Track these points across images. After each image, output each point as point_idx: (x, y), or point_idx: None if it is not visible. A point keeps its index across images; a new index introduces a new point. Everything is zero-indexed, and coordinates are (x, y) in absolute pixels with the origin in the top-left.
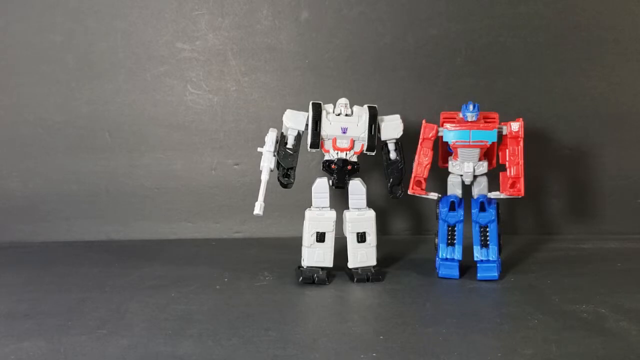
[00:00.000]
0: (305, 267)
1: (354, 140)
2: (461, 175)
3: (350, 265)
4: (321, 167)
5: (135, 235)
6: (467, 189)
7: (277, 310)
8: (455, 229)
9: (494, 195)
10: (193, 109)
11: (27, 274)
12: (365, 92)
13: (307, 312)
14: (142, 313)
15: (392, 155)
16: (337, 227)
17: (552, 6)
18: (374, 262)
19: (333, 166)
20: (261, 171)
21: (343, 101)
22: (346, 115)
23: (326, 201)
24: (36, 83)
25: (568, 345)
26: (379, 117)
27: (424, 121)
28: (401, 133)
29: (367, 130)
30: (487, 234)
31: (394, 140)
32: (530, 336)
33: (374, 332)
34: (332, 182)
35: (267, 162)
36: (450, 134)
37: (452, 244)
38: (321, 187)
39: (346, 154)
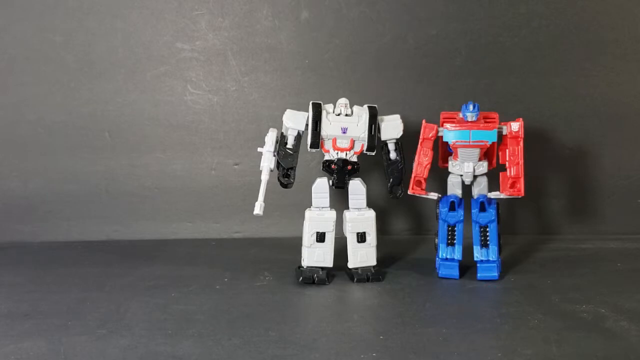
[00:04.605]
0: (305, 267)
1: (354, 140)
2: (461, 175)
3: (350, 265)
4: (321, 167)
5: (135, 235)
6: (467, 189)
7: (277, 310)
8: (455, 229)
9: (494, 195)
10: (193, 109)
11: (27, 274)
12: (365, 92)
13: (307, 312)
14: (142, 313)
15: (392, 155)
16: (337, 227)
17: (552, 6)
18: (374, 262)
19: (333, 166)
20: (261, 171)
21: (343, 101)
22: (346, 115)
23: (326, 201)
24: (36, 83)
25: (568, 345)
26: (379, 117)
27: (424, 121)
28: (401, 133)
29: (367, 130)
30: (487, 234)
31: (394, 140)
32: (530, 336)
33: (374, 332)
34: (332, 182)
35: (267, 162)
36: (450, 134)
37: (452, 244)
38: (321, 187)
39: (346, 154)
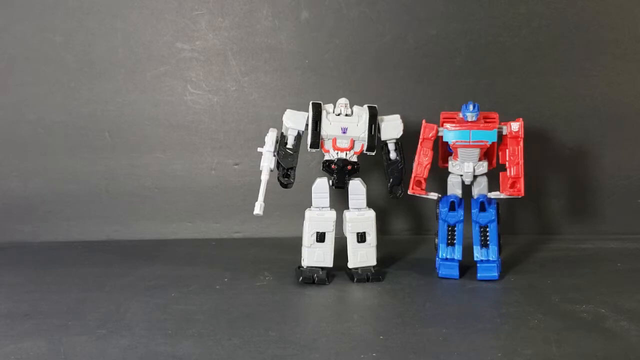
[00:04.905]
0: (305, 267)
1: (354, 140)
2: (461, 175)
3: (350, 265)
4: (321, 167)
5: (135, 235)
6: (467, 189)
7: (277, 310)
8: (455, 229)
9: (494, 195)
10: (193, 109)
11: (27, 274)
12: (365, 92)
13: (307, 312)
14: (142, 313)
15: (392, 155)
16: (337, 227)
17: (552, 6)
18: (374, 262)
19: (333, 166)
20: (261, 171)
21: (343, 101)
22: (346, 115)
23: (326, 201)
24: (36, 83)
25: (568, 345)
26: (379, 117)
27: (424, 121)
28: (401, 133)
29: (367, 130)
30: (487, 234)
31: (394, 140)
32: (530, 336)
33: (374, 332)
34: (332, 182)
35: (267, 162)
36: (450, 134)
37: (452, 244)
38: (321, 187)
39: (346, 154)
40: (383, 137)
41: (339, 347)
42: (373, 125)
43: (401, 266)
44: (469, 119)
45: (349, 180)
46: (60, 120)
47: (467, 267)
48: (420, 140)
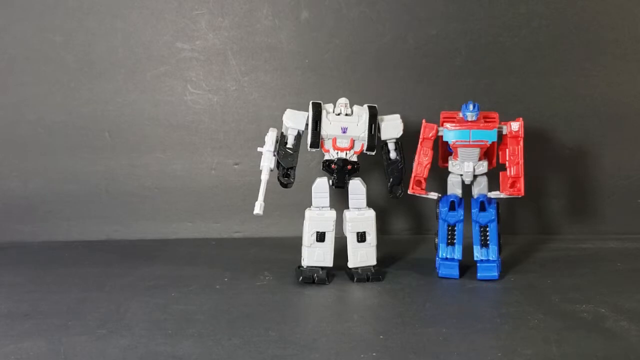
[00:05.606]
0: (305, 267)
1: (354, 140)
2: (461, 175)
3: (350, 265)
4: (321, 167)
5: (135, 235)
6: (467, 188)
7: (277, 310)
8: (455, 228)
9: (494, 195)
10: (193, 109)
11: (27, 274)
12: (365, 92)
13: (307, 312)
14: (142, 313)
15: (392, 155)
16: (337, 227)
17: (552, 6)
18: (374, 262)
19: (333, 166)
20: (261, 171)
21: (343, 101)
22: (346, 115)
23: (326, 201)
24: (36, 83)
25: (568, 345)
26: (379, 117)
27: (424, 121)
28: (401, 133)
29: (367, 130)
30: (487, 233)
31: (394, 140)
32: (530, 336)
33: (374, 332)
34: (332, 181)
35: (267, 161)
36: (450, 133)
37: (452, 244)
38: (321, 186)
39: (346, 153)
40: (383, 137)
41: (339, 347)
42: (373, 125)
43: (401, 266)
44: (469, 119)
45: (349, 180)
46: (60, 120)
47: (467, 267)
48: (420, 140)
